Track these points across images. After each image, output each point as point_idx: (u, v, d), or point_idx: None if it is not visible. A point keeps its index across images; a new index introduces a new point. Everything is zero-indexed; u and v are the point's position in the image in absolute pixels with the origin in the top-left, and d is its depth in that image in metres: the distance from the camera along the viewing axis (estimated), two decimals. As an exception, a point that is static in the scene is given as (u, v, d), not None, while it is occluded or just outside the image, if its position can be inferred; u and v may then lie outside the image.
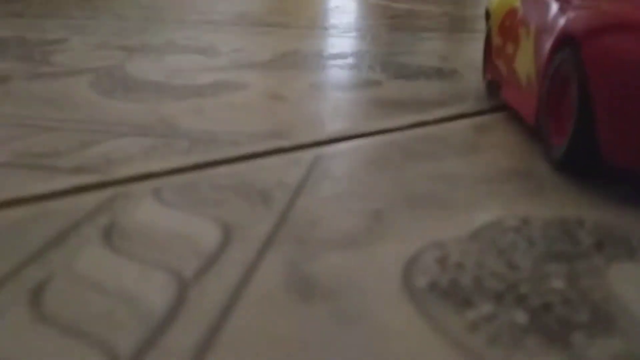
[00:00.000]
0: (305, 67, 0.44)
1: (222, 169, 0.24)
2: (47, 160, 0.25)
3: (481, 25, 0.42)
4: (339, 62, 0.46)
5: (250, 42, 0.54)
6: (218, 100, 0.35)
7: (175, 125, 0.30)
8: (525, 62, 0.28)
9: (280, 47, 0.52)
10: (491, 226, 0.19)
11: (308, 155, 0.26)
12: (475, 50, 0.44)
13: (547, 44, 0.24)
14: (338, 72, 0.43)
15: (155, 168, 0.24)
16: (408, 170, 0.24)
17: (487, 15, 0.36)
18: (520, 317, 0.15)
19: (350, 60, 0.46)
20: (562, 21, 0.24)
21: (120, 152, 0.26)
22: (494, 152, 0.27)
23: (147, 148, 0.27)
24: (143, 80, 0.39)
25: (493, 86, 0.35)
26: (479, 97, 0.36)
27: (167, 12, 0.74)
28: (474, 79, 0.40)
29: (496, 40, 0.33)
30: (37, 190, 0.22)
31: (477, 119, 0.32)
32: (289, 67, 0.44)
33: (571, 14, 0.23)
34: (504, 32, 0.32)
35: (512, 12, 0.31)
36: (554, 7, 0.25)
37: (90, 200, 0.21)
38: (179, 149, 0.26)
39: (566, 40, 0.23)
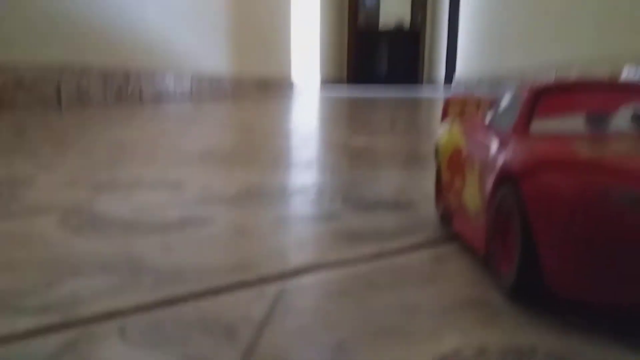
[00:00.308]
0: (269, 201, 0.46)
1: (188, 305, 0.25)
2: (10, 300, 0.25)
3: (433, 159, 0.45)
4: (302, 195, 0.48)
5: (216, 178, 0.57)
6: (184, 235, 0.35)
7: (142, 261, 0.30)
8: (472, 196, 0.30)
9: (245, 182, 0.54)
10: (450, 356, 0.20)
11: (272, 288, 0.27)
12: (430, 183, 0.47)
13: (490, 180, 0.27)
14: (301, 206, 0.45)
15: (121, 306, 0.25)
16: (370, 301, 0.25)
17: (436, 152, 0.39)
18: None
19: (312, 194, 0.49)
20: (501, 159, 0.26)
21: (86, 290, 0.26)
22: (450, 282, 0.28)
23: (113, 286, 0.27)
24: (111, 217, 0.40)
25: (446, 218, 0.37)
26: (434, 228, 0.37)
27: (136, 149, 0.77)
28: (430, 210, 0.42)
29: (445, 175, 0.36)
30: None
31: (434, 250, 0.33)
32: (253, 201, 0.46)
33: (509, 153, 0.26)
34: (451, 168, 0.35)
35: (458, 150, 0.34)
36: (495, 146, 0.28)
37: (54, 342, 0.21)
38: (144, 286, 0.27)
39: (506, 177, 0.25)
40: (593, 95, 0.29)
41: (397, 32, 7.79)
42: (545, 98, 0.29)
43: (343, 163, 0.68)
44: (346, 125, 1.32)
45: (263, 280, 0.28)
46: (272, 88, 4.13)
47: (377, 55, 7.84)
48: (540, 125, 0.28)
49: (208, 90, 3.04)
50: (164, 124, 1.24)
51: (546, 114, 0.29)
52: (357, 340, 0.21)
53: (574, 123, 0.28)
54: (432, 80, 6.52)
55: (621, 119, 0.28)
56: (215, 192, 0.49)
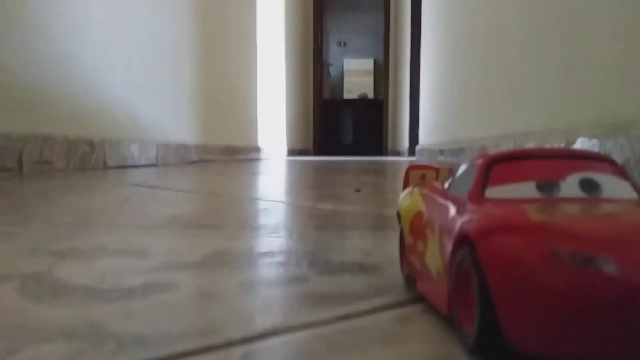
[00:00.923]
0: (234, 266, 0.46)
1: (151, 371, 0.24)
2: (-35, 370, 0.24)
3: (397, 223, 0.46)
4: (268, 260, 0.48)
5: (181, 244, 0.56)
6: (148, 301, 0.35)
7: (103, 328, 0.30)
8: (434, 258, 0.31)
9: (210, 248, 0.53)
10: (415, 413, 0.20)
11: (237, 351, 0.26)
12: (395, 246, 0.48)
13: (449, 243, 0.28)
14: (267, 270, 0.45)
15: (81, 373, 0.24)
16: (335, 363, 0.25)
17: (399, 216, 0.40)
18: None
19: (278, 259, 0.49)
20: (458, 223, 0.27)
21: (47, 357, 0.26)
22: (415, 342, 0.28)
23: (73, 353, 0.26)
24: (72, 285, 0.39)
25: (410, 280, 0.37)
26: (399, 290, 0.38)
27: (99, 216, 0.76)
28: (395, 272, 0.42)
29: (408, 239, 0.37)
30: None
31: (399, 311, 0.34)
32: (219, 266, 0.46)
33: (466, 217, 0.27)
34: (413, 232, 0.36)
35: (419, 215, 0.35)
36: (453, 211, 0.29)
37: (10, 410, 0.20)
38: (106, 352, 0.26)
39: (463, 240, 0.26)
40: (543, 162, 0.31)
41: (361, 101, 8.02)
42: (498, 166, 0.31)
43: (309, 227, 0.68)
44: (313, 189, 1.33)
45: (228, 344, 0.27)
46: (239, 154, 4.16)
47: (342, 125, 8.01)
48: (494, 192, 0.30)
49: (174, 157, 3.04)
50: (129, 191, 1.23)
51: (499, 181, 0.30)
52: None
53: (525, 189, 0.29)
54: (396, 150, 6.67)
55: (570, 185, 0.29)
56: (180, 257, 0.49)
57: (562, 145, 1.48)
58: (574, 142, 1.39)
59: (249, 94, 4.53)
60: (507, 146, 1.99)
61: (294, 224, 0.72)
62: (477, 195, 0.30)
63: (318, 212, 0.84)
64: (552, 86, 1.72)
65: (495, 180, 0.30)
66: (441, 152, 3.61)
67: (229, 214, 0.83)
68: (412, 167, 0.44)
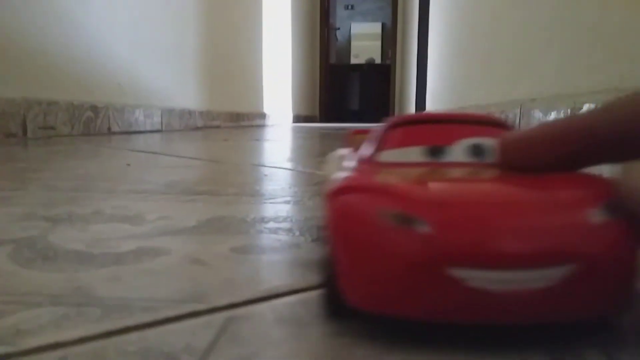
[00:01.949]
0: (228, 232, 0.46)
1: (133, 335, 0.25)
2: (-50, 333, 0.24)
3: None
4: (262, 226, 0.48)
5: (177, 210, 0.56)
6: (137, 267, 0.35)
7: (91, 293, 0.30)
8: None
9: (206, 214, 0.54)
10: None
11: (220, 317, 0.27)
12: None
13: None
14: (259, 236, 0.45)
15: (65, 337, 0.24)
16: (316, 328, 0.25)
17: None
18: None
19: (272, 225, 0.49)
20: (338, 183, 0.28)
21: (31, 322, 0.26)
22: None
23: (59, 317, 0.27)
24: (64, 250, 0.39)
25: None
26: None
27: (97, 182, 0.76)
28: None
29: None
30: None
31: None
32: (212, 233, 0.46)
33: (342, 178, 0.28)
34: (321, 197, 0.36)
35: (328, 180, 0.35)
36: (343, 174, 0.29)
37: (-10, 373, 0.21)
38: (91, 317, 0.27)
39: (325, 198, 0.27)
40: (438, 127, 0.31)
41: (369, 66, 7.92)
42: (395, 130, 0.31)
43: (308, 193, 0.68)
44: (316, 155, 1.33)
45: (212, 310, 0.28)
46: (244, 121, 4.15)
47: (349, 91, 7.94)
48: (386, 155, 0.30)
49: (179, 123, 3.04)
50: (131, 157, 1.23)
51: (393, 145, 0.31)
52: (299, 367, 0.21)
53: (414, 154, 0.30)
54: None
55: (458, 150, 0.30)
56: (175, 223, 0.49)
57: (569, 111, 1.47)
58: (580, 108, 1.38)
59: (255, 59, 4.49)
60: (514, 112, 1.97)
61: (293, 190, 0.72)
62: (369, 158, 0.30)
63: (318, 178, 0.84)
64: (558, 52, 1.69)
65: (390, 144, 0.31)
66: (447, 118, 3.58)
67: (229, 181, 0.83)
68: (355, 132, 0.44)
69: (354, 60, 7.93)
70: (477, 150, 0.30)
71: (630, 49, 1.24)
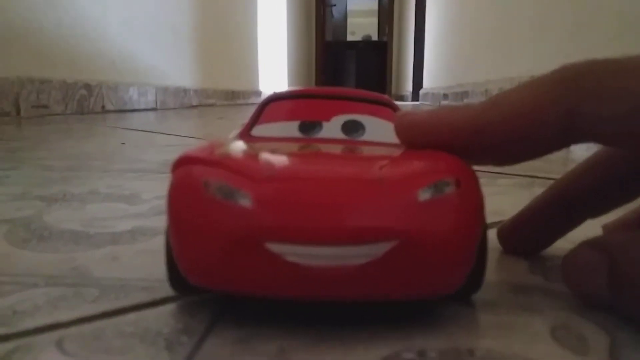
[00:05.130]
0: (225, 211, 0.46)
1: (131, 316, 0.24)
2: (-54, 315, 0.24)
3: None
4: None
5: (173, 189, 0.56)
6: (134, 247, 0.35)
7: (87, 274, 0.30)
8: None
9: (202, 193, 0.53)
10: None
11: (219, 297, 0.26)
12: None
13: None
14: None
15: (62, 318, 0.24)
16: (314, 306, 0.25)
17: None
18: None
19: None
20: None
21: (28, 303, 0.26)
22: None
23: (56, 298, 0.26)
24: (59, 230, 0.39)
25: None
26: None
27: (93, 161, 0.76)
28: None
29: None
30: None
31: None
32: (209, 212, 0.45)
33: None
34: None
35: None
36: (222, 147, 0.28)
37: (-13, 355, 0.21)
38: (88, 298, 0.26)
39: None
40: (316, 103, 0.31)
41: (365, 43, 7.87)
42: (272, 104, 0.31)
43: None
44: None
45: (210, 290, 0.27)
46: (240, 99, 4.13)
47: (345, 68, 7.90)
48: (259, 130, 0.30)
49: (173, 101, 3.02)
50: (125, 135, 1.22)
51: (267, 119, 0.30)
52: (298, 346, 0.21)
53: (286, 128, 0.29)
54: (399, 95, 6.60)
55: (332, 126, 0.29)
56: (171, 203, 0.49)
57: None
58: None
59: (250, 36, 4.45)
60: (510, 90, 1.96)
61: (289, 169, 0.72)
62: (245, 132, 0.30)
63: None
64: (558, 30, 1.68)
65: (265, 118, 0.30)
66: (445, 96, 3.57)
67: (225, 159, 0.83)
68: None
69: (350, 37, 7.87)
70: (352, 127, 0.30)
71: (635, 25, 1.23)
